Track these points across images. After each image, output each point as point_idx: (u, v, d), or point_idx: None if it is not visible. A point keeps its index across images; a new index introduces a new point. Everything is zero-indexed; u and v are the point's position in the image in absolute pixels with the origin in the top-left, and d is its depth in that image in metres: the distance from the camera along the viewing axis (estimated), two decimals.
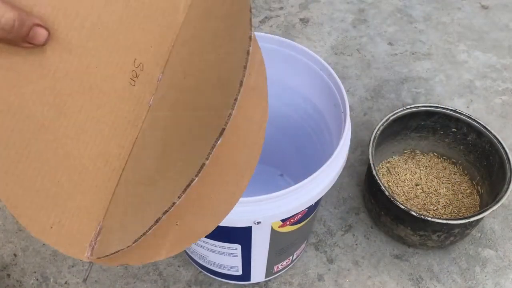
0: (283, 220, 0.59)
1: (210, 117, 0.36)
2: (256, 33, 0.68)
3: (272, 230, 0.61)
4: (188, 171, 0.34)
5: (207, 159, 0.33)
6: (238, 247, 0.64)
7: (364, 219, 0.86)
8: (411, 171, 0.88)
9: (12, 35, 0.35)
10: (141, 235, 0.34)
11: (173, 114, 0.40)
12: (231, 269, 0.72)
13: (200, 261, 0.73)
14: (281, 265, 0.75)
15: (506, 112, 1.04)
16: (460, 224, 0.72)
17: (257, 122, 0.40)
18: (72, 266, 0.80)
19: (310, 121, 0.73)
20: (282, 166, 0.88)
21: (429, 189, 0.86)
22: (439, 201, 0.84)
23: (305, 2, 1.27)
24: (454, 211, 0.83)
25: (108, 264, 0.38)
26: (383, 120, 0.81)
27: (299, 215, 0.61)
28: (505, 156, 0.78)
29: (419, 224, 0.74)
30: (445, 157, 0.90)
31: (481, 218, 0.73)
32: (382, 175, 0.88)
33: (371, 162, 0.76)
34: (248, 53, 0.35)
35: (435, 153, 0.90)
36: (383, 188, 0.74)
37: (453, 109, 0.84)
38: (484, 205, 0.80)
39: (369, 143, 0.78)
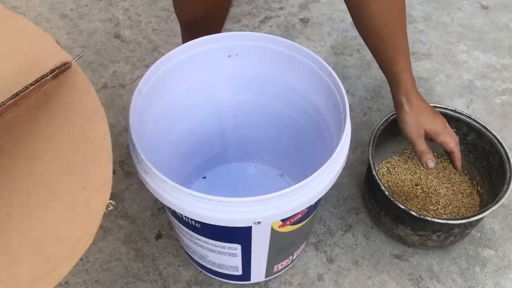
0: (283, 220, 0.59)
1: None
2: (256, 33, 0.69)
3: (272, 230, 0.61)
4: None
5: None
6: (238, 247, 0.64)
7: (364, 219, 0.86)
8: (411, 171, 0.88)
9: None
10: None
11: None
12: (231, 269, 0.72)
13: (200, 261, 0.73)
14: (281, 265, 0.75)
15: (506, 112, 1.04)
16: (460, 224, 0.72)
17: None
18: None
19: (310, 121, 0.73)
20: (282, 166, 0.89)
21: (429, 189, 0.86)
22: (439, 201, 0.84)
23: (305, 2, 1.27)
24: (454, 211, 0.83)
25: None
26: (383, 120, 0.81)
27: (299, 215, 0.61)
28: (505, 156, 0.78)
29: (419, 224, 0.74)
30: (445, 157, 0.90)
31: (481, 218, 0.73)
32: (382, 175, 0.88)
33: (371, 162, 0.76)
34: None
35: (435, 153, 0.90)
36: (383, 188, 0.74)
37: (453, 109, 0.84)
38: (484, 205, 0.80)
39: (369, 143, 0.78)
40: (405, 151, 0.91)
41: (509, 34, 1.20)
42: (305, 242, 0.78)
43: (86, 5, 1.25)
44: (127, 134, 0.60)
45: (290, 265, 0.79)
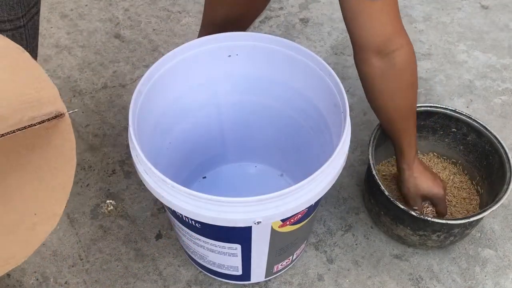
0: (283, 220, 0.59)
1: None
2: (256, 33, 0.69)
3: (272, 230, 0.61)
4: None
5: None
6: (238, 247, 0.64)
7: (364, 219, 0.86)
8: None
9: None
10: None
11: None
12: (231, 269, 0.72)
13: (200, 261, 0.73)
14: (281, 265, 0.75)
15: (506, 112, 1.04)
16: (460, 224, 0.72)
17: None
18: (72, 266, 0.80)
19: (310, 121, 0.73)
20: (282, 166, 0.89)
21: None
22: None
23: (305, 2, 1.27)
24: (454, 211, 0.83)
25: None
26: None
27: (299, 215, 0.61)
28: (504, 156, 0.78)
29: (418, 224, 0.74)
30: (445, 157, 0.90)
31: (481, 218, 0.73)
32: (382, 175, 0.88)
33: (371, 162, 0.76)
34: None
35: (435, 153, 0.90)
36: (383, 188, 0.74)
37: (453, 109, 0.84)
38: (484, 205, 0.80)
39: (369, 143, 0.78)
40: None
41: (509, 34, 1.20)
42: (305, 242, 0.78)
43: (86, 5, 1.25)
44: (127, 134, 0.60)
45: (290, 265, 0.79)
